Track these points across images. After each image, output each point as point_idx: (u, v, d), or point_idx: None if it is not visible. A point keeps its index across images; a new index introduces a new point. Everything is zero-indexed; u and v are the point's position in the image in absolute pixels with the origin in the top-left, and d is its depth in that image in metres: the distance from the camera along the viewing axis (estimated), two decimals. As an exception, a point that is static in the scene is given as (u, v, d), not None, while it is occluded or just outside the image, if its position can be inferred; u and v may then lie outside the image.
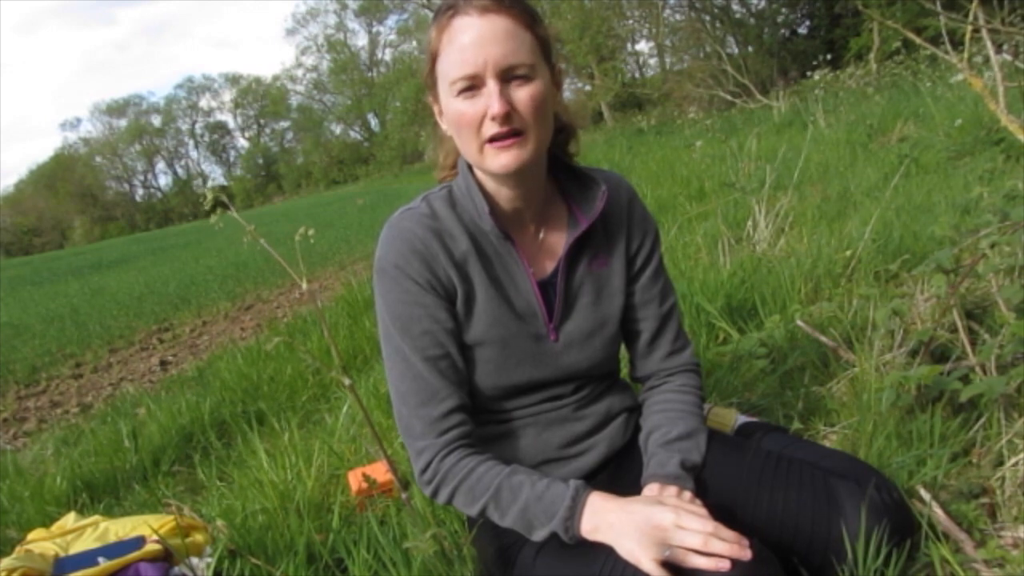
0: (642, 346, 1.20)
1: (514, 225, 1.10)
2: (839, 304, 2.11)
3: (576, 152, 1.16)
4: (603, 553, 0.95)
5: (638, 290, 1.17)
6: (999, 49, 4.08)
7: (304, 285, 1.20)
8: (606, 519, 0.94)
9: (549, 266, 1.12)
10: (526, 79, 0.96)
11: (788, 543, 1.00)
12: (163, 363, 4.88)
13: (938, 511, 1.17)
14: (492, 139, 0.97)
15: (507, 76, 0.96)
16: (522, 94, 0.96)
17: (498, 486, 1.00)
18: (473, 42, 0.94)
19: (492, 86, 0.95)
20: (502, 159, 0.99)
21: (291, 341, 1.52)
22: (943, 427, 1.34)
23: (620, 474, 1.17)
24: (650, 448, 1.12)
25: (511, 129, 0.97)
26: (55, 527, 1.58)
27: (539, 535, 0.98)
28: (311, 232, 1.32)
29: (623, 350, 1.25)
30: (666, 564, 0.91)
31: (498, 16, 0.95)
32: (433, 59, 1.00)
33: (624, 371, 1.30)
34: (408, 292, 1.04)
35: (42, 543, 1.46)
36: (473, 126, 0.97)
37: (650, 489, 1.04)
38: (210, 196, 1.35)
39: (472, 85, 0.96)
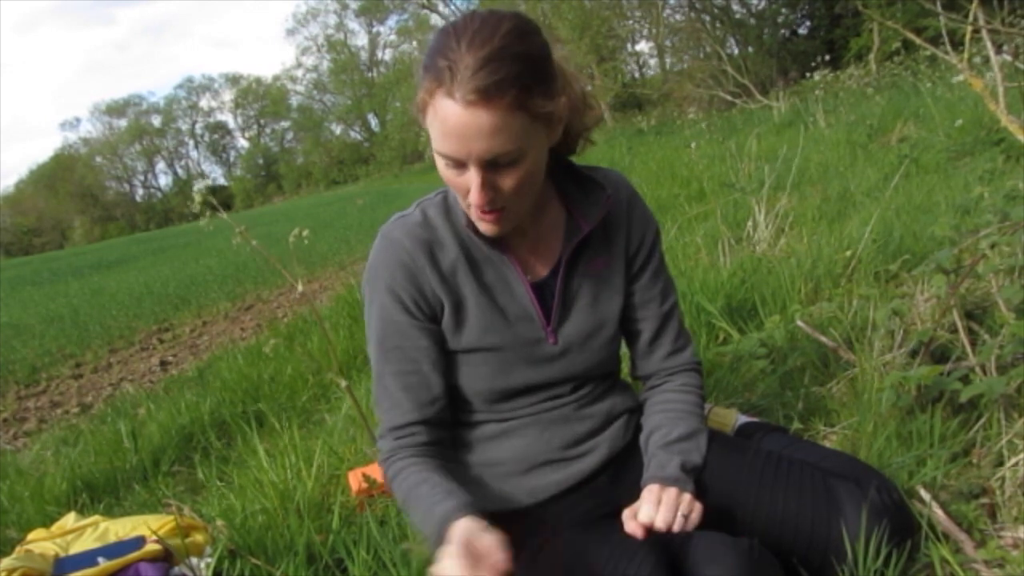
0: (643, 345, 1.20)
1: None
2: (839, 304, 2.11)
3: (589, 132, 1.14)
4: (604, 554, 0.95)
5: (638, 289, 1.16)
6: (999, 49, 4.07)
7: (299, 287, 1.20)
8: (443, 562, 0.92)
9: (545, 268, 1.11)
10: (512, 163, 0.93)
11: (788, 544, 1.00)
12: (163, 363, 4.88)
13: (938, 511, 1.17)
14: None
15: (492, 164, 0.92)
16: (507, 180, 0.94)
17: (407, 493, 1.03)
18: (456, 133, 0.89)
19: (474, 175, 0.93)
20: (484, 226, 1.00)
21: (287, 344, 1.53)
22: (943, 427, 1.34)
23: (621, 476, 1.16)
24: (650, 449, 1.11)
25: (493, 208, 0.97)
26: (55, 527, 1.57)
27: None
28: (305, 233, 1.32)
29: (623, 349, 1.25)
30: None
31: (484, 111, 0.87)
32: (421, 108, 0.95)
33: (625, 371, 1.30)
34: (385, 307, 1.06)
35: (42, 543, 1.46)
36: (457, 191, 0.98)
37: (650, 491, 1.03)
38: (198, 199, 1.35)
39: (456, 163, 0.94)
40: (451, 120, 0.89)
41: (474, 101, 0.87)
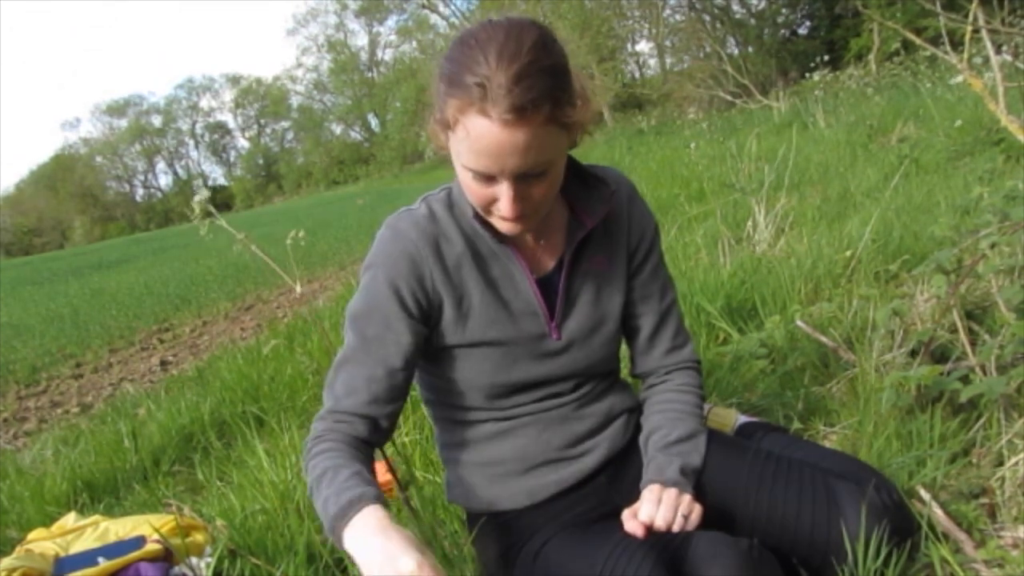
0: (642, 342, 1.20)
1: None
2: (839, 304, 2.11)
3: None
4: (603, 554, 0.95)
5: (638, 285, 1.17)
6: (999, 50, 4.08)
7: (298, 289, 1.20)
8: (363, 538, 0.88)
9: (548, 263, 1.11)
10: (542, 174, 0.94)
11: (788, 544, 1.00)
12: (163, 363, 4.88)
13: (938, 511, 1.17)
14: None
15: (523, 177, 0.93)
16: (537, 190, 0.95)
17: (324, 471, 0.97)
18: (490, 151, 0.89)
19: (506, 189, 0.93)
20: (505, 227, 1.00)
21: (288, 344, 1.53)
22: (943, 427, 1.34)
23: (620, 475, 1.16)
24: (650, 451, 1.12)
25: (522, 215, 0.97)
26: (55, 527, 1.57)
27: (326, 530, 0.94)
28: (301, 234, 1.32)
29: (624, 348, 1.25)
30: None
31: (520, 129, 0.87)
32: (448, 124, 0.93)
33: (625, 371, 1.30)
34: (379, 293, 1.04)
35: (42, 543, 1.46)
36: (483, 203, 0.97)
37: (650, 491, 1.04)
38: (198, 209, 1.34)
39: (485, 177, 0.93)
40: (487, 139, 0.88)
41: (511, 120, 0.86)
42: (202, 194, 1.33)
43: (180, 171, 61.04)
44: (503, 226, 1.00)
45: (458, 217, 1.07)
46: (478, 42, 0.89)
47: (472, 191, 0.97)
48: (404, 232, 1.05)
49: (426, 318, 1.06)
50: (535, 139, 0.89)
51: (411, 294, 1.04)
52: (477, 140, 0.89)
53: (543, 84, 0.87)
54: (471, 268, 1.06)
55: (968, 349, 1.53)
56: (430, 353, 1.10)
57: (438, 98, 0.94)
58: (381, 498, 0.92)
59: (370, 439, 1.05)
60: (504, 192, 0.93)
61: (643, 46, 23.70)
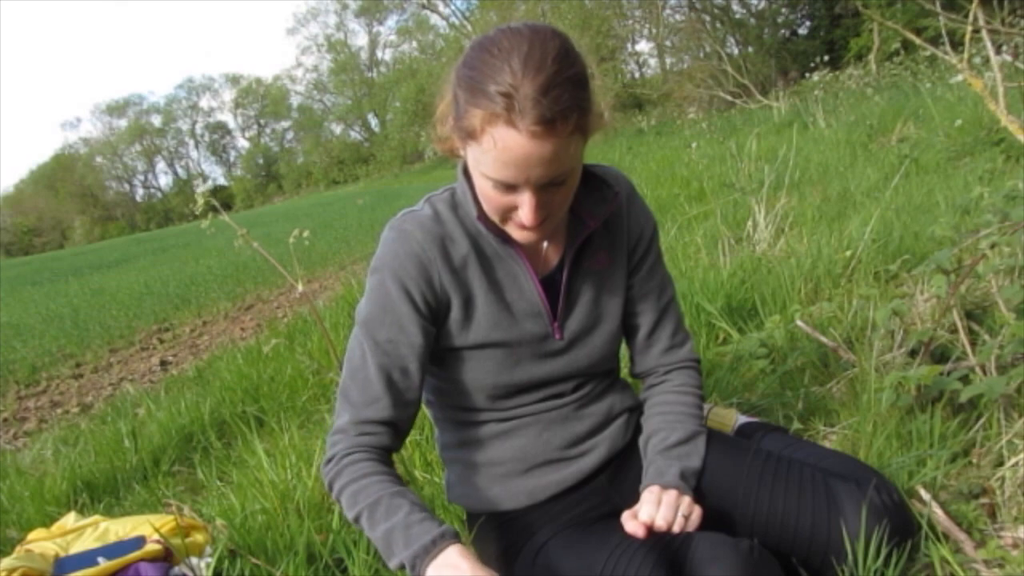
0: (641, 340, 1.20)
1: None
2: (839, 304, 2.11)
3: None
4: (603, 554, 0.95)
5: (636, 283, 1.17)
6: (999, 50, 4.08)
7: (299, 287, 1.20)
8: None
9: (551, 262, 1.11)
10: (563, 182, 0.94)
11: (788, 544, 1.00)
12: (163, 363, 4.88)
13: (938, 511, 1.17)
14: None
15: (545, 185, 0.93)
16: (557, 197, 0.95)
17: (378, 499, 0.97)
18: (516, 162, 0.88)
19: (529, 198, 0.93)
20: (523, 236, 1.00)
21: (288, 343, 1.53)
22: (943, 427, 1.34)
23: (620, 476, 1.17)
24: (649, 454, 1.12)
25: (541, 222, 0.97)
26: (55, 527, 1.57)
27: (393, 563, 0.94)
28: (306, 234, 1.32)
29: (624, 349, 1.25)
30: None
31: (547, 140, 0.87)
32: (471, 134, 0.91)
33: (624, 371, 1.30)
34: (389, 296, 1.04)
35: (42, 543, 1.46)
36: (501, 211, 0.97)
37: (650, 491, 1.04)
38: (201, 201, 1.35)
39: (506, 186, 0.93)
40: (514, 150, 0.88)
41: (539, 132, 0.86)
42: (205, 187, 1.33)
43: (180, 171, 61.09)
44: (520, 235, 0.99)
45: (462, 218, 1.06)
46: (500, 50, 0.88)
47: (490, 200, 0.96)
48: (410, 233, 1.04)
49: (435, 318, 1.06)
50: (561, 149, 0.88)
51: (421, 295, 1.03)
52: (504, 151, 0.88)
53: (569, 95, 0.87)
54: (476, 269, 1.06)
55: (968, 349, 1.53)
56: (433, 355, 1.10)
57: (457, 106, 0.93)
58: (459, 536, 0.94)
59: (393, 446, 1.06)
60: (526, 201, 0.93)
61: (643, 46, 23.74)
